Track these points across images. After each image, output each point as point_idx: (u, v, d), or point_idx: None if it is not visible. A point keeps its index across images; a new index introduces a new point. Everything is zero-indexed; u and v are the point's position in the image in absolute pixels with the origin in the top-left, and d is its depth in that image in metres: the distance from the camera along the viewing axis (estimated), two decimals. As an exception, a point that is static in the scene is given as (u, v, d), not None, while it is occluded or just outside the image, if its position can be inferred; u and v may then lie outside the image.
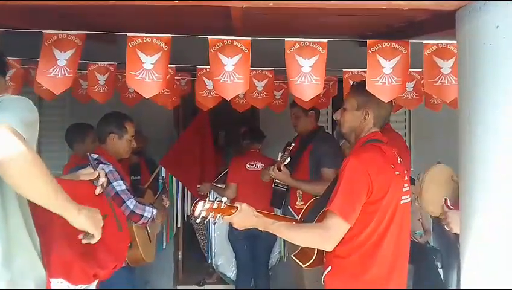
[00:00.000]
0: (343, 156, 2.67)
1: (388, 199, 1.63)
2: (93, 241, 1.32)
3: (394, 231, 1.67)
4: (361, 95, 1.77)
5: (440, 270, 3.65)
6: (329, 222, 1.58)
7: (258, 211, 1.66)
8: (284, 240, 3.40)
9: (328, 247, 1.62)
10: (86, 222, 1.26)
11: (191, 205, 4.09)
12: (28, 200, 1.25)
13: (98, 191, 1.53)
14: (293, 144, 2.87)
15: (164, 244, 3.70)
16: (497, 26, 1.42)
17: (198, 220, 1.58)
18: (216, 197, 1.69)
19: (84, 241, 1.32)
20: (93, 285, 1.47)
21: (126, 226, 1.71)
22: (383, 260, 1.65)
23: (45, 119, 4.08)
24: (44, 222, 1.32)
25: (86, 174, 1.55)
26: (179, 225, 3.99)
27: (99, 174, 1.55)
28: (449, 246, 3.69)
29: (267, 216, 1.69)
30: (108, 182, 2.27)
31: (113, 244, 1.53)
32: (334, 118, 1.85)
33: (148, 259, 2.49)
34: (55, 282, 1.34)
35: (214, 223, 1.68)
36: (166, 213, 2.96)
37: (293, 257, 1.93)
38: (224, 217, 1.60)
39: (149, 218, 2.35)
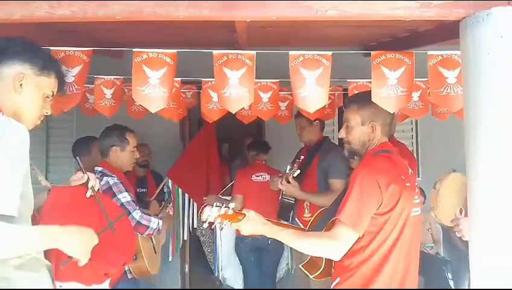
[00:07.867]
0: (350, 166, 2.65)
1: (398, 211, 1.62)
2: (80, 264, 1.31)
3: (404, 244, 1.65)
4: (363, 110, 1.76)
5: (451, 282, 3.59)
6: (338, 231, 1.57)
7: (267, 219, 1.66)
8: (292, 253, 3.38)
9: (336, 256, 1.61)
10: (77, 244, 1.26)
11: (198, 217, 4.08)
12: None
13: (88, 193, 1.56)
14: (302, 157, 2.86)
15: (170, 257, 3.68)
16: (501, 36, 1.42)
17: (205, 225, 1.59)
18: (223, 203, 1.69)
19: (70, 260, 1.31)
20: (106, 285, 1.49)
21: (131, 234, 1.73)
22: (392, 273, 1.62)
23: (53, 133, 4.15)
24: None
25: (76, 179, 1.58)
26: (185, 238, 3.97)
27: (88, 178, 1.57)
28: (459, 257, 3.63)
29: (276, 224, 1.68)
30: (113, 194, 2.30)
31: (120, 242, 1.55)
32: (339, 136, 1.85)
33: (153, 271, 2.48)
34: (66, 287, 1.35)
35: (221, 229, 1.69)
36: (172, 221, 2.93)
37: (301, 268, 1.92)
38: (232, 224, 1.60)
39: (155, 229, 2.35)
